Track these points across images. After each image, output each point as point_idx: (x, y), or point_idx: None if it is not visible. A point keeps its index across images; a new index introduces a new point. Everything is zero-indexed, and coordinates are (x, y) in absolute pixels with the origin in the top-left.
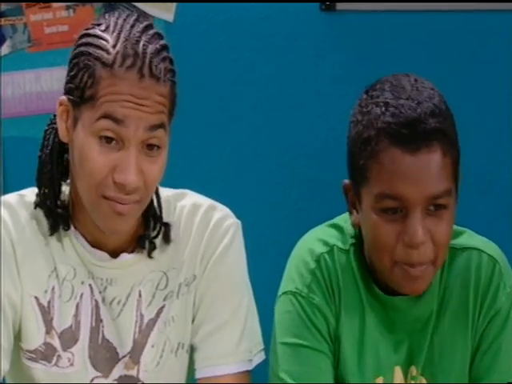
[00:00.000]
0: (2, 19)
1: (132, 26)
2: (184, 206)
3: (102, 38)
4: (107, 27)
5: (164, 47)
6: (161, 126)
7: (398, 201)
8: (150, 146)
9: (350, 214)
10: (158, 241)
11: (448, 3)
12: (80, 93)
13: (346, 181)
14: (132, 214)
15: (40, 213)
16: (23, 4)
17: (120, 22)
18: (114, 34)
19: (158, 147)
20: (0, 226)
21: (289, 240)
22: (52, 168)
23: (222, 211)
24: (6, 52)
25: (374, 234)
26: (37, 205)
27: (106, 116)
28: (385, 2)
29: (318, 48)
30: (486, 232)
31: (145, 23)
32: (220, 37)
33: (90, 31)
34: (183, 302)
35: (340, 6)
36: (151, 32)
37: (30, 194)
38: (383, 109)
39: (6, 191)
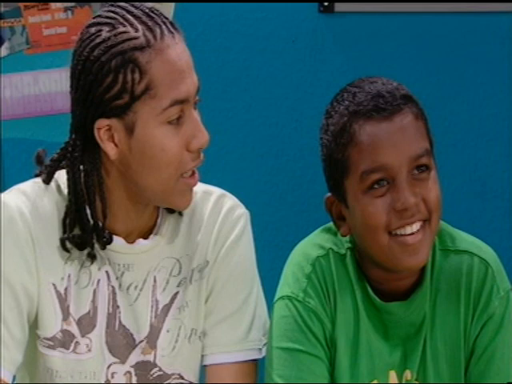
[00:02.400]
0: (1, 21)
1: (125, 6)
2: (195, 192)
3: (119, 33)
4: (113, 26)
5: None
6: (199, 86)
7: (382, 171)
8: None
9: (338, 227)
10: (170, 228)
11: (446, 5)
12: (129, 94)
13: (327, 195)
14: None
15: (55, 199)
16: (21, 6)
17: (111, 13)
18: (124, 21)
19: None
20: (15, 216)
21: (286, 242)
22: (85, 205)
23: (233, 199)
24: (4, 54)
25: (365, 214)
26: (69, 239)
27: (174, 103)
28: (383, 4)
29: (315, 49)
30: (485, 234)
31: (126, 4)
32: (217, 38)
33: (97, 40)
34: (196, 287)
35: (338, 7)
36: (139, 3)
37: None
38: (351, 98)
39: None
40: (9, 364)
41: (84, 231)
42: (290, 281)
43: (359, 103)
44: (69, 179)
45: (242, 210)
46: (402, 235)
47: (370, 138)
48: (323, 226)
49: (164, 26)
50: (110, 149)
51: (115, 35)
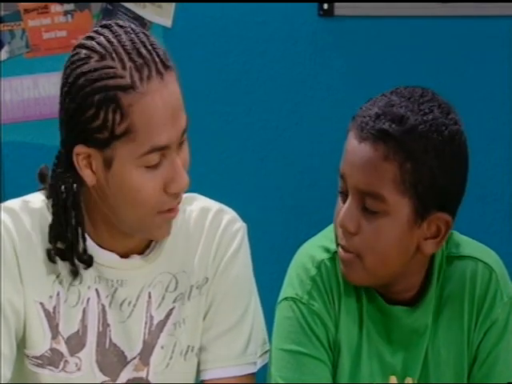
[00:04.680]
0: (1, 25)
1: (121, 36)
2: (192, 210)
3: (106, 67)
4: (101, 56)
5: (150, 35)
6: (187, 126)
7: (343, 181)
8: (181, 142)
9: None
10: (167, 244)
11: (446, 9)
12: (109, 132)
13: None
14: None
15: (44, 218)
16: (21, 9)
17: (104, 40)
18: (114, 55)
19: (185, 139)
20: (0, 231)
21: (287, 245)
22: (69, 216)
23: (230, 214)
24: (4, 57)
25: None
26: (53, 250)
27: (153, 150)
28: (383, 8)
29: (315, 53)
30: (485, 238)
31: (124, 25)
32: (217, 42)
33: (85, 67)
34: (194, 304)
35: (338, 11)
36: (133, 28)
37: (34, 199)
38: (368, 101)
39: (4, 196)
40: None
41: (66, 247)
42: (294, 282)
43: (362, 110)
44: (52, 193)
45: (239, 224)
46: (340, 245)
47: (347, 145)
48: (330, 226)
49: (153, 67)
50: (87, 175)
51: (102, 68)
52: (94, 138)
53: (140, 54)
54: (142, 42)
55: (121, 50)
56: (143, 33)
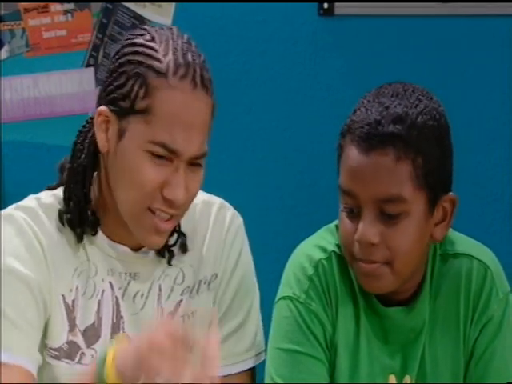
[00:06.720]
0: (1, 24)
1: (177, 37)
2: (196, 203)
3: (150, 48)
4: (153, 38)
5: (205, 60)
6: (205, 154)
7: (352, 197)
8: (194, 165)
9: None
10: (175, 249)
11: (446, 8)
12: (130, 103)
13: None
14: (170, 230)
15: (57, 213)
16: (21, 9)
17: (164, 33)
18: (162, 44)
19: (200, 165)
20: (5, 233)
21: (287, 245)
22: (85, 178)
23: (231, 209)
24: (4, 57)
25: (340, 230)
26: (65, 212)
27: (161, 145)
28: (383, 7)
29: (315, 52)
30: (485, 238)
31: (186, 36)
32: (217, 42)
33: (136, 41)
34: (203, 299)
35: (338, 10)
36: (194, 44)
37: (45, 196)
38: (356, 111)
39: (4, 195)
40: (33, 364)
41: (74, 206)
42: (291, 281)
43: (353, 121)
44: (73, 154)
45: (239, 220)
46: (360, 260)
47: (348, 161)
48: (326, 227)
49: (191, 73)
50: (101, 138)
51: (146, 47)
52: (117, 105)
53: (185, 58)
54: (193, 52)
55: (171, 44)
56: (198, 54)
